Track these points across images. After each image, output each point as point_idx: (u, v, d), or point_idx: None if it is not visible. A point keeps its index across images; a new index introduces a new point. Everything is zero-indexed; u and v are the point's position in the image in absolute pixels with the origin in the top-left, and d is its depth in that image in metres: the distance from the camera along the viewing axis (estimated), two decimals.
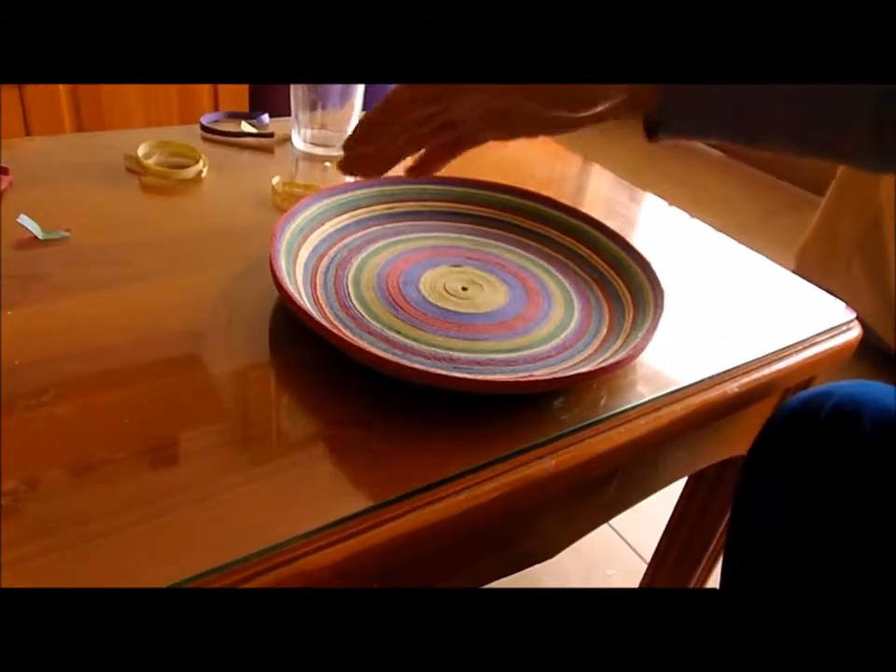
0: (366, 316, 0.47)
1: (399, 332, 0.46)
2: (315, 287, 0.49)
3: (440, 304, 0.50)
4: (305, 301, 0.45)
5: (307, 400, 0.41)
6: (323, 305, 0.47)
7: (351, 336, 0.43)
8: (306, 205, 0.53)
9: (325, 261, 0.52)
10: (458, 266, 0.54)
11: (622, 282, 0.54)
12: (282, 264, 0.46)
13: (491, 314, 0.50)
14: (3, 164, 0.58)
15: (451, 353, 0.45)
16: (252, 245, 0.53)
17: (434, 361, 0.44)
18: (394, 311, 0.48)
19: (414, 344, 0.45)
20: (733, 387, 0.48)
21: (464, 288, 0.52)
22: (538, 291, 0.53)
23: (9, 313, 0.44)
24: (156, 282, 0.49)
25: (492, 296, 0.52)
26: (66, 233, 0.52)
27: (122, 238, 0.54)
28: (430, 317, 0.48)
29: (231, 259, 0.52)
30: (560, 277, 0.55)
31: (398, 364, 0.40)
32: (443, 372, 0.40)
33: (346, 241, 0.55)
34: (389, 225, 0.58)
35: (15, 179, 0.58)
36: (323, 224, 0.54)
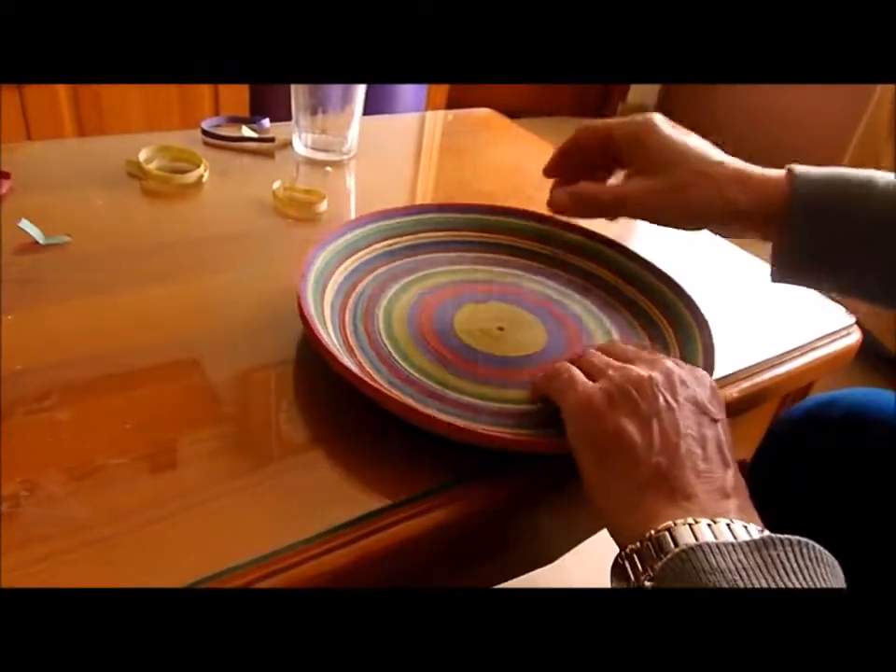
0: (418, 375, 0.44)
1: (463, 392, 0.44)
2: (355, 353, 0.45)
3: (485, 350, 0.47)
4: (348, 362, 0.42)
5: (307, 405, 0.42)
6: (370, 370, 0.44)
7: (422, 406, 0.40)
8: (313, 258, 0.49)
9: (348, 315, 0.48)
10: (483, 302, 0.52)
11: (649, 302, 0.53)
12: (312, 312, 0.44)
13: (540, 353, 0.48)
14: (4, 169, 0.58)
15: (515, 406, 0.43)
16: (252, 249, 0.53)
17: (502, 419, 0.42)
18: (445, 367, 0.45)
19: (480, 402, 0.43)
20: (733, 392, 0.48)
21: (500, 328, 0.49)
22: (570, 321, 0.51)
23: (10, 318, 0.44)
24: (156, 287, 0.49)
25: (529, 332, 0.50)
26: (67, 238, 0.52)
27: (123, 243, 0.54)
28: (481, 367, 0.46)
29: (231, 263, 0.53)
30: (584, 301, 0.54)
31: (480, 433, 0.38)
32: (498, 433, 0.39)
33: (359, 289, 0.51)
34: (396, 264, 0.54)
35: (16, 184, 0.58)
36: (333, 273, 0.50)
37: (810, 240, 0.42)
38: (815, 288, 0.46)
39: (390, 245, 0.55)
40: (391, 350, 0.46)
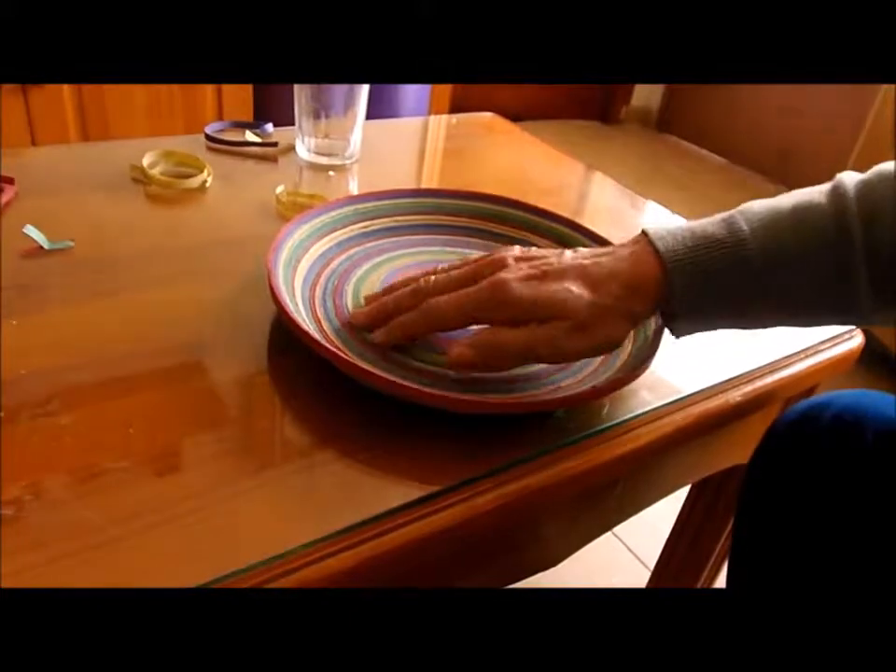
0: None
1: (421, 360, 0.45)
2: (320, 322, 0.47)
3: None
4: (312, 329, 0.44)
5: (311, 409, 0.42)
6: (335, 339, 0.46)
7: (375, 368, 0.42)
8: (287, 234, 0.51)
9: (318, 291, 0.50)
10: None
11: None
12: (287, 300, 0.45)
13: None
14: (8, 174, 0.58)
15: (476, 374, 0.45)
16: (256, 254, 0.53)
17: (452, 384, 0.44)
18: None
19: (438, 370, 0.44)
20: (735, 396, 0.48)
21: None
22: None
23: (14, 322, 0.44)
24: (160, 291, 0.50)
25: None
26: (71, 243, 0.53)
27: (127, 247, 0.54)
28: (445, 339, 0.47)
29: (234, 268, 0.53)
30: None
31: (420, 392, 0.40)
32: (471, 398, 0.41)
33: (331, 266, 0.53)
34: (369, 244, 0.56)
35: (20, 189, 0.58)
36: (308, 251, 0.52)
37: (699, 316, 0.43)
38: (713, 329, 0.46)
39: (365, 226, 0.57)
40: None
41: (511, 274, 0.41)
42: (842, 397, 0.50)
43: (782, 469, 0.50)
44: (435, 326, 0.43)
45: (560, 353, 0.41)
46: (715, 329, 0.44)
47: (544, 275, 0.41)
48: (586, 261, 0.42)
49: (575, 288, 0.40)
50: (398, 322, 0.44)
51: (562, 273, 0.41)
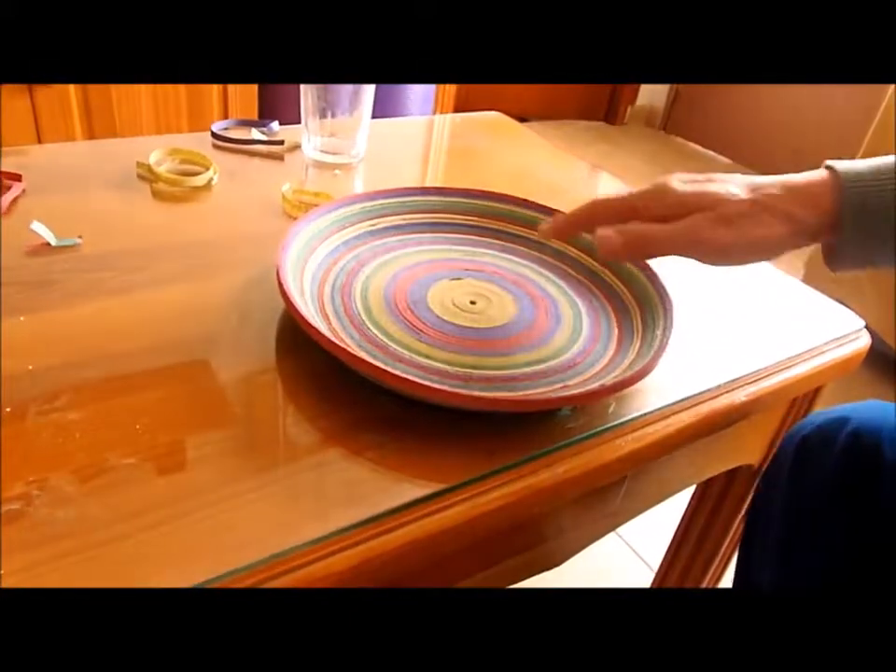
0: (391, 344, 0.46)
1: (428, 357, 0.45)
2: (328, 319, 0.47)
3: (456, 322, 0.49)
4: (324, 329, 0.44)
5: (317, 407, 0.42)
6: (343, 336, 0.46)
7: (384, 364, 0.42)
8: (295, 233, 0.51)
9: (326, 287, 0.50)
10: (458, 279, 0.54)
11: (622, 285, 0.54)
12: (297, 300, 0.45)
13: (507, 326, 0.49)
14: (16, 171, 0.58)
15: (483, 371, 0.45)
16: (262, 251, 0.53)
17: (460, 382, 0.44)
18: (416, 335, 0.47)
19: (446, 367, 0.45)
20: (740, 396, 0.48)
21: (472, 302, 0.51)
22: (541, 298, 0.53)
23: (22, 318, 0.44)
24: (167, 288, 0.50)
25: (501, 308, 0.51)
26: (79, 240, 0.53)
27: (134, 245, 0.54)
28: (452, 337, 0.47)
29: (241, 265, 0.53)
30: (558, 282, 0.55)
31: (422, 386, 0.40)
32: (476, 394, 0.41)
33: (339, 264, 0.53)
34: (376, 242, 0.56)
35: (28, 186, 0.58)
36: (315, 250, 0.52)
37: (866, 240, 0.41)
38: (874, 268, 0.44)
39: (373, 224, 0.57)
40: (364, 318, 0.48)
41: (676, 179, 0.43)
42: (859, 411, 0.49)
43: (796, 486, 0.50)
44: (600, 208, 0.45)
45: (700, 244, 0.41)
46: (876, 265, 0.43)
47: (708, 180, 0.43)
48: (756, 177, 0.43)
49: (733, 188, 0.42)
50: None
51: (727, 180, 0.43)
